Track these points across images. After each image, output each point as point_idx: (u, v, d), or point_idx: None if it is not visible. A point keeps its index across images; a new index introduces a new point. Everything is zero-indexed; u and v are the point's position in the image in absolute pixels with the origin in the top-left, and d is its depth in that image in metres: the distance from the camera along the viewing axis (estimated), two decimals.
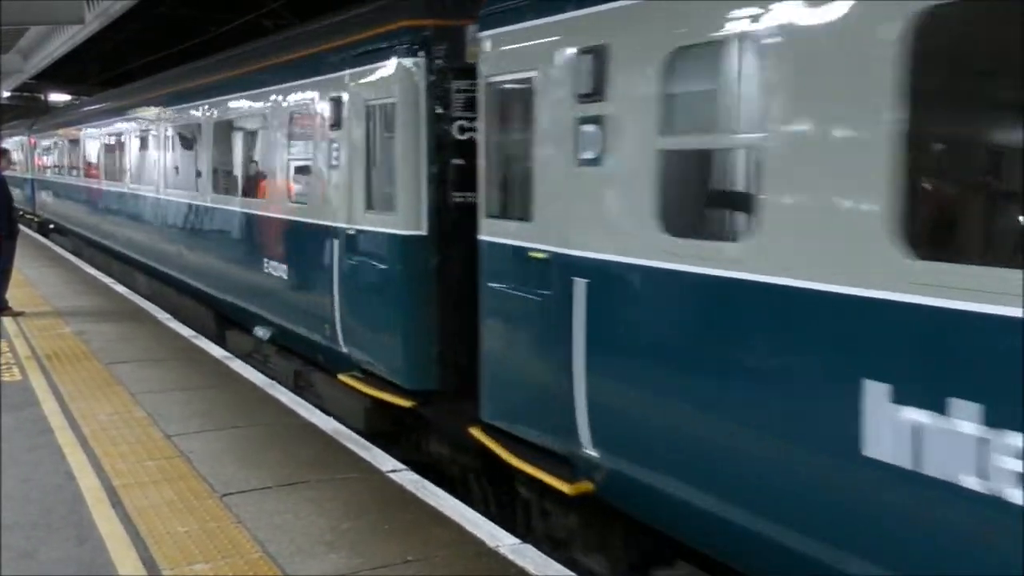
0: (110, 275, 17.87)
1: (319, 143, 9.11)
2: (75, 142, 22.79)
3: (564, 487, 5.60)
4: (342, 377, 8.65)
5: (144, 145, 16.24)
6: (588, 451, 5.48)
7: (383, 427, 8.39)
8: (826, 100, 3.90)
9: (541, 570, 5.16)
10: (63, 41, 27.15)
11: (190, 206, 13.48)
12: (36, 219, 28.41)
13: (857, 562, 3.90)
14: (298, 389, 9.76)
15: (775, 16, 4.11)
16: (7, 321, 12.51)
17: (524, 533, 6.57)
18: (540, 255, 5.80)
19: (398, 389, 7.92)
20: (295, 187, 9.96)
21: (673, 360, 4.84)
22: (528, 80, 5.95)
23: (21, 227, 14.42)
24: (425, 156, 7.59)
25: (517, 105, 6.20)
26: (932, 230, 4.25)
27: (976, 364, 3.38)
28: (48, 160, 27.39)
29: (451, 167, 7.57)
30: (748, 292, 4.30)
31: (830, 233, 3.91)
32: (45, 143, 27.70)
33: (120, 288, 16.12)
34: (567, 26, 5.56)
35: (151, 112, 15.88)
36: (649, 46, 4.87)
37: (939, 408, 3.45)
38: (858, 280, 3.77)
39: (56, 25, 24.72)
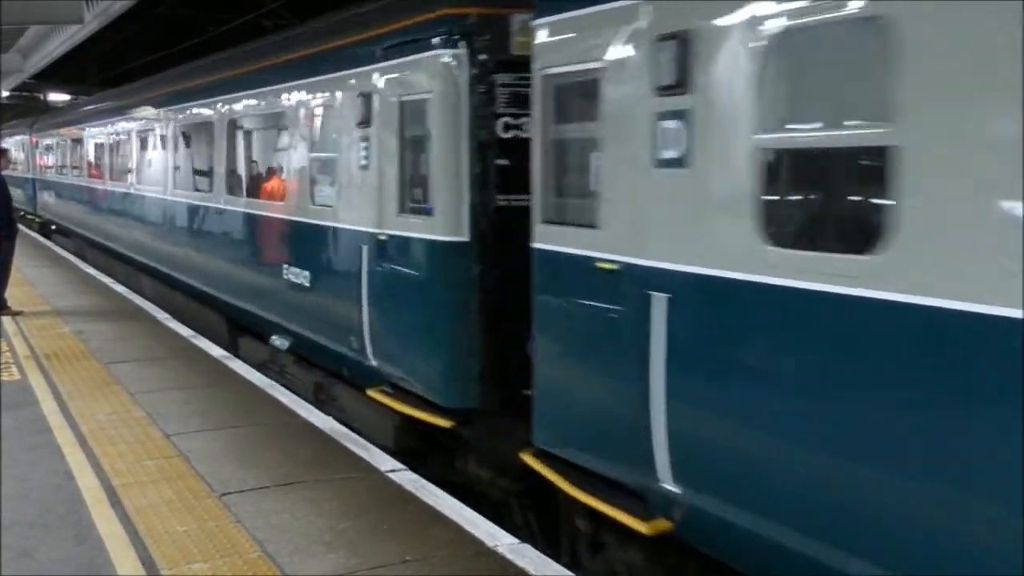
0: (110, 275, 17.56)
1: (346, 142, 8.52)
2: (79, 141, 22.26)
3: (640, 526, 5.01)
4: (371, 392, 8.07)
5: (153, 144, 15.67)
6: (667, 486, 4.89)
7: (412, 445, 7.83)
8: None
9: (540, 570, 5.12)
10: (62, 41, 26.98)
11: (202, 208, 12.93)
12: (38, 220, 27.86)
13: None
14: (319, 403, 9.18)
15: None
16: (6, 320, 12.41)
17: (570, 564, 6.06)
18: (609, 265, 5.21)
19: (433, 406, 7.35)
20: (319, 189, 9.36)
21: (777, 389, 4.25)
22: (593, 71, 5.36)
23: (20, 227, 14.26)
24: (467, 156, 7.00)
25: (580, 99, 5.61)
26: None
27: None
28: (51, 160, 26.85)
29: (494, 168, 7.00)
30: (879, 313, 3.71)
31: (991, 245, 3.33)
32: (47, 142, 27.14)
33: (119, 287, 15.97)
34: (643, 10, 4.97)
35: (160, 110, 15.32)
36: (748, 28, 4.29)
37: None
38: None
39: (55, 25, 24.41)
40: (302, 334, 9.67)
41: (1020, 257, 3.21)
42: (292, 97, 9.81)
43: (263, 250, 10.86)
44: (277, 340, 10.29)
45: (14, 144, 31.40)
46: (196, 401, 8.56)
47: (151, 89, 17.02)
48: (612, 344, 5.22)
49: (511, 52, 6.92)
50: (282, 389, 9.11)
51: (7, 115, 38.23)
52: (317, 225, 9.18)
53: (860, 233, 3.90)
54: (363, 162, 8.18)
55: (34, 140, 29.05)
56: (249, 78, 11.34)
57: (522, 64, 6.47)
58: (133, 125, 17.06)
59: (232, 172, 12.13)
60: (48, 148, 27.10)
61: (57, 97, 46.33)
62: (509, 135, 6.96)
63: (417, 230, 7.38)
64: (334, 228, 8.78)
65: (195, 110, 13.45)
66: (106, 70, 35.25)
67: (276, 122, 10.84)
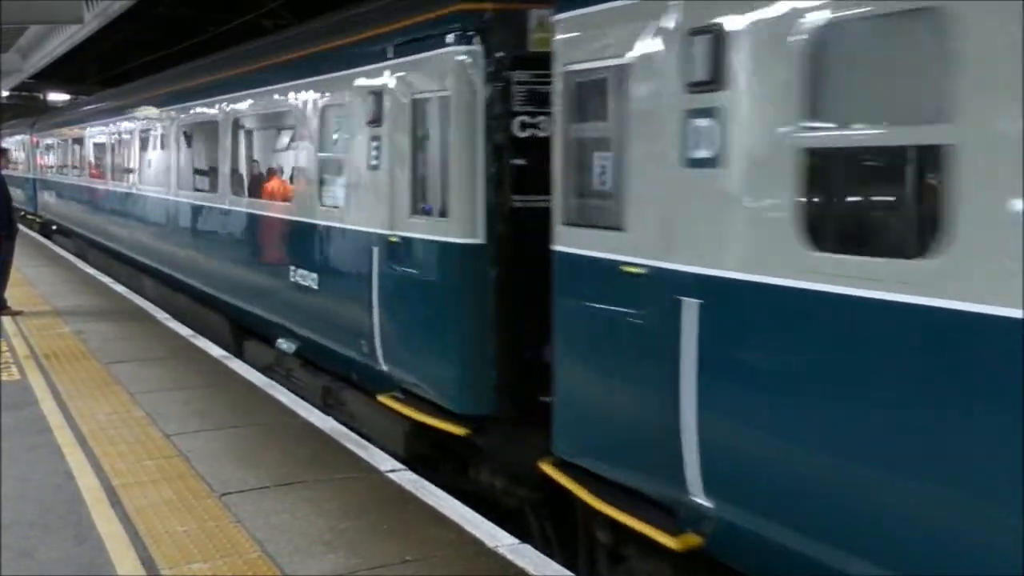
0: (110, 275, 17.45)
1: (356, 142, 8.32)
2: (80, 141, 22.06)
3: (669, 541, 4.80)
4: (382, 398, 7.86)
5: (155, 144, 15.47)
6: (698, 499, 4.69)
7: (423, 451, 7.63)
8: None
9: (540, 570, 5.09)
10: (62, 40, 26.92)
11: (206, 208, 12.72)
12: (38, 220, 27.66)
13: None
14: (326, 407, 8.97)
15: None
16: (6, 320, 12.36)
17: (588, 575, 5.92)
18: (635, 269, 5.00)
19: (447, 413, 7.14)
20: (328, 189, 9.15)
21: (818, 399, 4.05)
22: (619, 68, 5.16)
23: (20, 227, 14.22)
24: (482, 156, 6.80)
25: (603, 97, 5.41)
26: None
27: None
28: (51, 160, 26.66)
29: (511, 168, 6.79)
30: (935, 321, 3.51)
31: None
32: (48, 142, 26.95)
33: (119, 287, 15.91)
34: (673, 3, 4.76)
35: (163, 110, 15.11)
36: (790, 20, 4.08)
37: None
38: None
39: (55, 25, 24.29)
40: (310, 338, 9.46)
41: None
42: (302, 95, 9.60)
43: (270, 252, 10.65)
44: (283, 343, 10.09)
45: (14, 144, 31.21)
46: (196, 401, 8.52)
47: (152, 88, 16.84)
48: (638, 351, 5.01)
49: (528, 48, 6.71)
50: (282, 389, 9.03)
51: (7, 115, 38.15)
52: (326, 226, 8.98)
53: (913, 236, 3.70)
54: (374, 162, 7.97)
55: (35, 140, 28.87)
56: (255, 77, 11.13)
57: (540, 61, 6.28)
58: (135, 125, 16.86)
59: (237, 172, 11.93)
60: (49, 148, 26.92)
61: (57, 97, 46.30)
62: (526, 134, 6.76)
63: (430, 232, 7.18)
64: (343, 229, 8.58)
65: (199, 109, 13.25)
66: (106, 70, 35.23)
67: (285, 120, 10.65)
